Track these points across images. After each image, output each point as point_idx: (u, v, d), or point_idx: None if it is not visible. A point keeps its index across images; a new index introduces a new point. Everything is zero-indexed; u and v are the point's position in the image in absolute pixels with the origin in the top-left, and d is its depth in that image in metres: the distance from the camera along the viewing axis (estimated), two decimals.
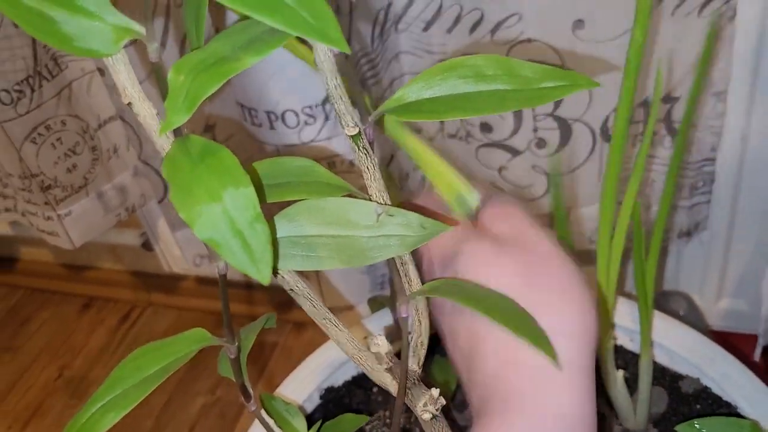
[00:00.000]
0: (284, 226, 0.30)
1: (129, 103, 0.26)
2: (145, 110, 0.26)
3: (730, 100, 0.60)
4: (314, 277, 0.74)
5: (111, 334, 1.15)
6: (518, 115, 0.61)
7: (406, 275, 0.33)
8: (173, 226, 0.74)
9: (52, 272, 1.25)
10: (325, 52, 0.26)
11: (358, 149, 0.29)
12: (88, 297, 1.22)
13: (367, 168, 0.30)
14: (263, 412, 0.43)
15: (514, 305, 0.32)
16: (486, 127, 0.63)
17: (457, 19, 0.57)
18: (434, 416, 0.36)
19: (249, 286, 1.10)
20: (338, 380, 0.60)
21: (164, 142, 0.28)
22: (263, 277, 0.26)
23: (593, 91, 0.59)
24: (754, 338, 0.71)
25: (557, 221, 0.54)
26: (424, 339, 0.35)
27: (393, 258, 0.32)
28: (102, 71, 0.64)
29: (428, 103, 0.28)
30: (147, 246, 1.05)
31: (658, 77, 0.42)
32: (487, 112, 0.26)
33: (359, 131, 0.28)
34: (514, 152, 0.64)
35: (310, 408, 0.57)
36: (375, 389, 0.60)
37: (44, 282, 1.25)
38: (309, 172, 0.31)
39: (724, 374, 0.51)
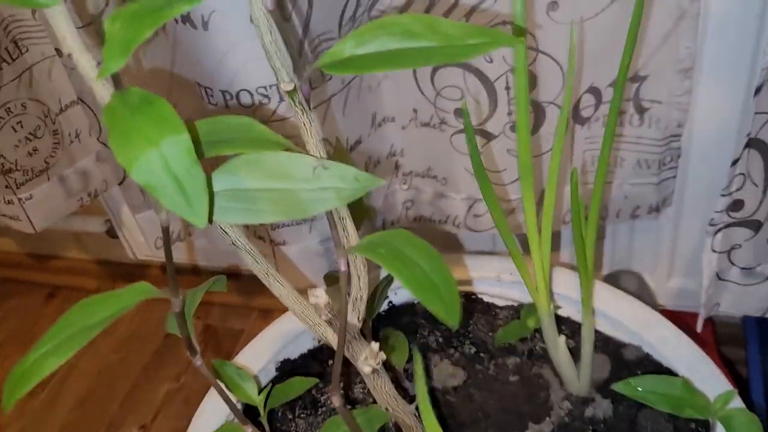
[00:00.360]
0: (224, 180, 0.31)
1: (69, 54, 0.27)
2: (84, 60, 0.27)
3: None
4: (272, 259, 0.74)
5: None
6: (493, 100, 0.62)
7: (344, 230, 0.34)
8: (135, 209, 0.74)
9: (16, 261, 1.24)
10: (259, 8, 0.27)
11: (294, 105, 0.30)
12: (53, 286, 1.21)
13: (304, 124, 0.31)
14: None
15: (443, 274, 0.33)
16: (460, 113, 0.64)
17: (431, 4, 0.57)
18: (375, 370, 0.38)
19: (214, 274, 1.11)
20: (294, 353, 0.61)
21: (105, 94, 0.29)
22: (199, 220, 0.27)
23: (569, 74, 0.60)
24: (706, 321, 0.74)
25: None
26: (363, 294, 0.36)
27: (332, 213, 0.34)
28: (59, 52, 0.64)
29: (359, 59, 0.29)
30: (111, 233, 1.05)
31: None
32: (414, 66, 0.28)
33: (294, 87, 0.30)
34: (489, 136, 0.65)
35: (265, 379, 0.58)
36: (330, 362, 0.61)
37: (8, 271, 1.24)
38: (248, 129, 0.33)
39: (661, 338, 0.54)
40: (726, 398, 0.45)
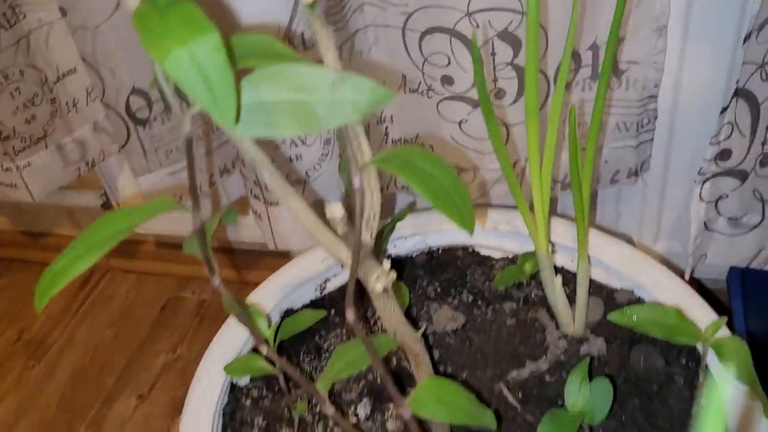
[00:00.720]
0: (246, 93, 0.33)
1: None
2: None
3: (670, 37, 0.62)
4: (266, 219, 0.76)
5: (70, 299, 1.15)
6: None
7: (358, 146, 0.35)
8: (135, 171, 0.75)
9: (9, 240, 1.25)
10: None
11: (314, 17, 0.32)
12: (46, 264, 1.21)
13: (321, 38, 0.33)
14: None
15: (455, 183, 0.35)
16: (447, 80, 0.65)
17: None
18: (385, 289, 0.39)
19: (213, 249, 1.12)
20: (297, 303, 0.62)
21: (132, 2, 0.30)
22: (226, 116, 0.28)
23: (549, 38, 0.61)
24: (693, 280, 0.76)
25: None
26: (376, 211, 0.38)
27: (347, 129, 0.35)
28: (63, 11, 0.65)
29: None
30: (107, 206, 1.06)
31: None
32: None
33: (314, 0, 0.31)
34: (475, 104, 0.66)
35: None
36: (333, 311, 0.63)
37: (2, 250, 1.25)
38: (269, 47, 0.34)
39: (653, 280, 0.56)
40: (716, 326, 0.47)
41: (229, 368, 0.50)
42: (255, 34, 0.35)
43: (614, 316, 0.48)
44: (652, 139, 0.70)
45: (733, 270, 0.73)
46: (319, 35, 0.32)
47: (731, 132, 0.58)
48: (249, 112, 0.33)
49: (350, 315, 0.37)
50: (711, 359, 0.49)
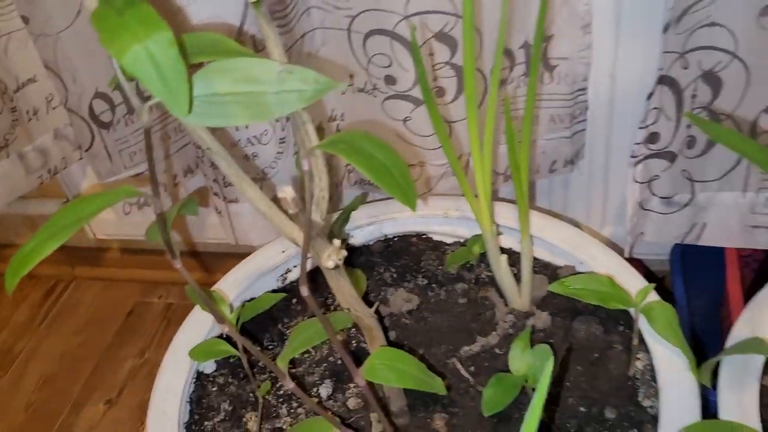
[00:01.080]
0: (198, 86, 0.36)
1: None
2: None
3: (596, 32, 0.67)
4: (226, 215, 0.78)
5: (35, 309, 1.16)
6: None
7: (306, 134, 0.39)
8: (100, 175, 0.77)
9: None
10: None
11: (259, 15, 0.35)
12: None
13: (268, 34, 0.36)
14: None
15: (397, 162, 0.38)
16: (390, 80, 0.69)
17: None
18: (337, 266, 0.42)
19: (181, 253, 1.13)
20: (258, 293, 0.65)
21: (91, 3, 0.33)
22: (180, 106, 0.31)
23: (484, 38, 0.65)
24: (636, 261, 0.80)
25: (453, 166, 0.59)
26: (325, 193, 0.41)
27: (295, 116, 0.38)
28: (25, 19, 0.67)
29: None
30: None
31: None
32: None
33: None
34: (417, 102, 0.70)
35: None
36: (294, 300, 0.66)
37: None
38: (220, 44, 0.37)
39: (591, 255, 0.60)
40: (645, 291, 0.51)
41: (193, 353, 0.53)
42: (207, 33, 0.38)
43: (554, 287, 0.52)
44: (585, 130, 0.74)
45: (674, 249, 0.78)
46: (266, 32, 0.35)
47: (658, 117, 0.62)
48: (203, 103, 0.36)
49: (304, 290, 0.40)
50: (645, 325, 0.53)
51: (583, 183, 0.83)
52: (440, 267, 0.66)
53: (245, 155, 0.70)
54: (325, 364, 0.59)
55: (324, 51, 0.69)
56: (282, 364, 0.47)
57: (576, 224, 0.89)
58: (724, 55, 0.58)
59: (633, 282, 0.57)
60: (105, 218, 1.02)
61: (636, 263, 0.80)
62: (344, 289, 0.46)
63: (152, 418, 0.54)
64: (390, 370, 0.44)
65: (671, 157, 0.65)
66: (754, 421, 0.46)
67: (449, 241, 0.68)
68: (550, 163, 0.75)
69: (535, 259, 0.63)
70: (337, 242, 0.42)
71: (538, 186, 0.84)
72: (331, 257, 0.42)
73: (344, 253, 0.43)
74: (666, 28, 0.58)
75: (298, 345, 0.46)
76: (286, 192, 0.39)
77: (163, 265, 1.15)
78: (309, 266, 0.60)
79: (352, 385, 0.57)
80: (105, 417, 0.98)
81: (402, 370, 0.44)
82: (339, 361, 0.59)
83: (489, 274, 0.63)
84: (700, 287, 0.79)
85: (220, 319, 0.45)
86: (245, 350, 0.55)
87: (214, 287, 0.63)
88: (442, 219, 0.67)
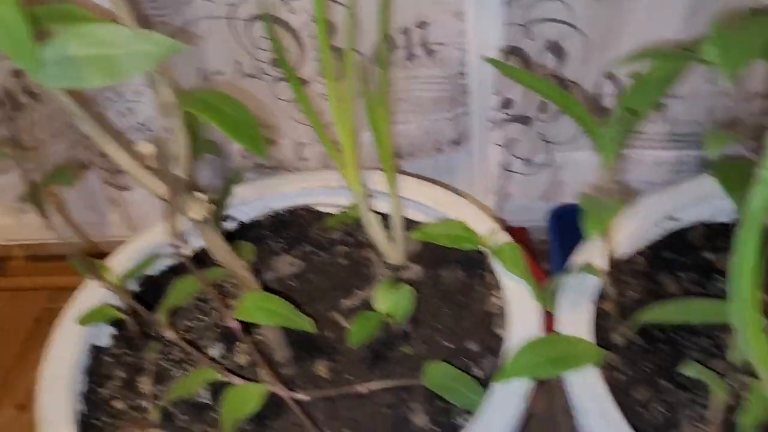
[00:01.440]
0: (53, 50, 0.39)
1: None
2: None
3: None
4: (121, 204, 0.80)
5: None
6: (302, 47, 0.71)
7: (163, 93, 0.43)
8: None
9: None
10: None
11: None
12: None
13: (117, 3, 0.40)
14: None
15: (247, 118, 0.43)
16: (276, 62, 0.73)
17: None
18: (205, 219, 0.46)
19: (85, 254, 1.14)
20: (155, 270, 0.68)
21: None
22: (29, 64, 0.35)
23: (362, 22, 0.70)
24: (520, 229, 0.87)
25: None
26: (186, 150, 0.45)
27: (151, 77, 0.42)
28: None
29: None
30: None
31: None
32: None
33: None
34: (303, 82, 0.74)
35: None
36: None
37: None
38: (73, 13, 0.41)
39: (458, 211, 0.66)
40: (493, 233, 0.57)
41: (81, 319, 0.55)
42: (62, 5, 0.41)
43: (415, 234, 0.57)
44: (467, 113, 0.80)
45: (551, 213, 0.85)
46: (113, 2, 0.39)
47: (510, 84, 0.69)
48: (58, 66, 0.39)
49: (169, 237, 0.44)
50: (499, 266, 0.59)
51: (464, 154, 0.89)
52: (325, 235, 0.70)
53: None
54: (217, 330, 0.63)
55: (211, 39, 0.72)
56: (162, 315, 0.50)
57: (462, 194, 0.96)
58: (565, 27, 0.65)
59: (495, 233, 0.63)
60: (3, 224, 1.02)
61: (520, 231, 0.87)
62: (217, 244, 0.50)
63: (44, 388, 0.56)
64: (260, 310, 0.48)
65: (526, 120, 0.71)
66: (588, 335, 0.52)
67: (335, 212, 0.73)
68: (434, 143, 0.81)
69: (408, 220, 0.68)
70: (201, 195, 0.46)
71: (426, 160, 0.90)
72: (198, 211, 0.46)
73: (211, 206, 0.47)
74: (509, 2, 0.64)
75: (175, 296, 0.49)
76: (144, 148, 0.43)
77: (69, 271, 1.15)
78: (197, 245, 0.64)
79: (243, 345, 0.61)
80: (18, 421, 0.98)
81: (271, 310, 0.48)
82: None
83: (369, 237, 0.68)
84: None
85: (105, 281, 0.48)
86: (135, 315, 0.58)
87: (109, 262, 0.66)
88: (326, 190, 0.72)
